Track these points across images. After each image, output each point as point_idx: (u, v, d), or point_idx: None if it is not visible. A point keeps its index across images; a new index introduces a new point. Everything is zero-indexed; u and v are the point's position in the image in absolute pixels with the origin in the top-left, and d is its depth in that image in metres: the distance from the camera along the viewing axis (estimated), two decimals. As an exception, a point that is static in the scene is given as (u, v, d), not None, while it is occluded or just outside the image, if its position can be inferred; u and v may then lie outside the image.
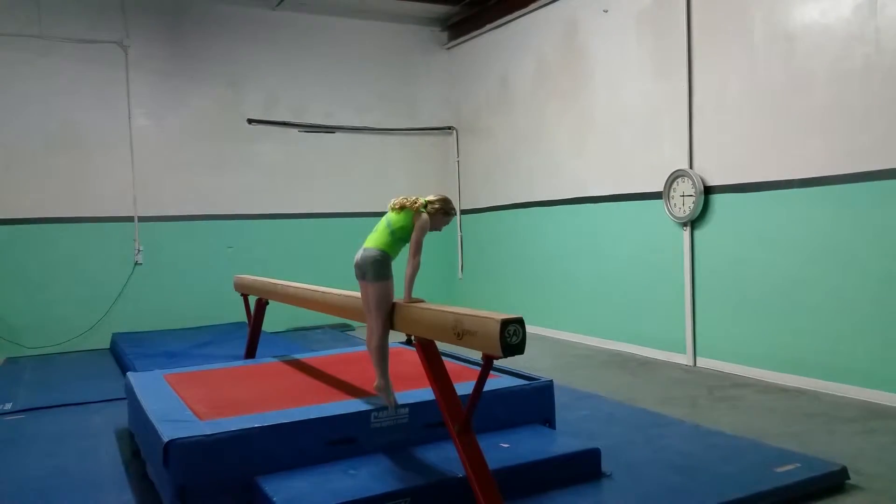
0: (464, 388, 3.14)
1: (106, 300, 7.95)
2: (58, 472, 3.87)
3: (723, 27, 5.84)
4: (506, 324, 2.54)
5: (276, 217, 8.78)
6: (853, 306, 4.98)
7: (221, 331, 7.81)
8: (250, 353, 5.56)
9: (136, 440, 3.99)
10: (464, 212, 9.56)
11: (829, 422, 4.43)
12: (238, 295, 5.85)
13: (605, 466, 3.46)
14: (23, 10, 7.56)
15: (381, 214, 3.47)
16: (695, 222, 6.14)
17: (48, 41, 7.67)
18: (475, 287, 9.41)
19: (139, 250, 8.09)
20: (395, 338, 5.69)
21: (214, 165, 8.48)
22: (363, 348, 5.53)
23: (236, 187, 8.58)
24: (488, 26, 8.80)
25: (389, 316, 3.32)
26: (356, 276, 3.40)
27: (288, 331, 8.54)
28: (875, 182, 4.81)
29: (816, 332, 5.22)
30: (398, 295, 3.34)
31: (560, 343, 7.54)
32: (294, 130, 8.89)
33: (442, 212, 3.41)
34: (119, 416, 4.72)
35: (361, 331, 8.44)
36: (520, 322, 2.57)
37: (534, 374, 4.19)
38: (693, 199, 6.05)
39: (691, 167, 6.12)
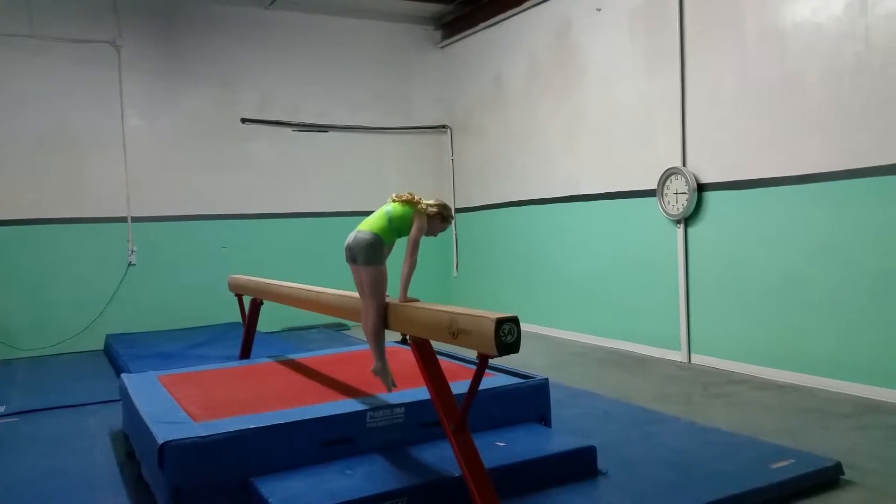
0: (459, 386, 3.15)
1: (100, 301, 7.92)
2: (53, 475, 3.85)
3: (715, 25, 5.85)
4: (500, 323, 2.54)
5: (270, 217, 8.77)
6: (847, 302, 5.00)
7: (216, 331, 7.79)
8: (245, 353, 5.54)
9: (131, 442, 3.98)
10: (458, 210, 9.56)
11: (823, 418, 4.45)
12: (232, 295, 5.84)
13: (601, 464, 3.46)
14: (15, 11, 7.52)
15: (376, 214, 3.46)
16: (688, 220, 6.15)
17: (41, 41, 7.63)
18: (470, 285, 9.42)
19: (133, 251, 8.07)
20: (391, 337, 5.69)
21: (208, 165, 8.46)
22: (358, 348, 5.54)
23: (230, 187, 8.56)
24: (481, 25, 8.80)
25: (385, 299, 3.31)
26: (346, 258, 3.39)
27: (283, 331, 8.53)
28: (869, 179, 4.82)
29: (811, 328, 5.24)
30: (394, 294, 3.33)
31: (555, 341, 7.55)
32: (288, 130, 8.88)
33: (440, 217, 3.40)
34: (114, 417, 4.71)
35: (356, 330, 8.44)
36: (514, 321, 2.58)
37: (529, 372, 4.19)
38: (686, 196, 6.05)
39: (684, 165, 6.13)
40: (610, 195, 7.03)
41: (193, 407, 3.62)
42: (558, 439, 3.66)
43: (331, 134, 9.09)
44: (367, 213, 3.50)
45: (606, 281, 7.13)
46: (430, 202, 3.41)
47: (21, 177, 7.61)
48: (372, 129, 9.32)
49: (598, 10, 7.03)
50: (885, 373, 4.77)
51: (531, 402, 3.95)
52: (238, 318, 5.95)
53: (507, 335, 2.55)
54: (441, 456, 3.28)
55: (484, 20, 8.73)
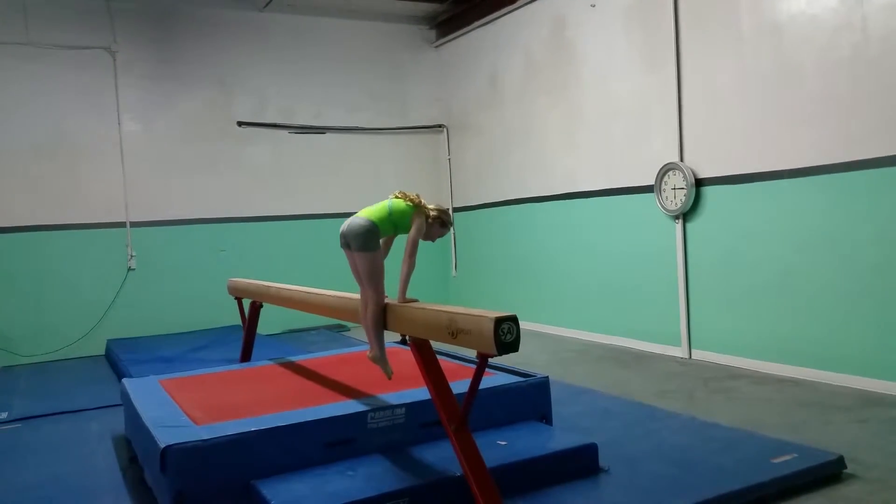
0: (460, 386, 3.15)
1: (100, 307, 7.92)
2: (55, 480, 3.85)
3: (710, 19, 5.85)
4: (500, 322, 2.54)
5: (268, 219, 8.77)
6: (847, 295, 5.00)
7: (216, 335, 7.79)
8: (245, 356, 5.55)
9: (133, 446, 3.99)
10: (456, 209, 9.56)
11: (824, 411, 4.45)
12: (232, 298, 5.84)
13: (603, 461, 3.47)
14: (10, 18, 7.52)
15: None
16: (687, 215, 6.15)
17: (36, 48, 7.63)
18: (469, 284, 9.42)
19: (132, 256, 8.07)
20: (390, 337, 5.70)
21: (205, 169, 8.46)
22: (358, 349, 5.54)
23: (228, 190, 8.56)
24: (476, 23, 8.79)
25: (382, 285, 3.30)
26: (340, 244, 3.38)
27: (283, 333, 8.54)
28: (866, 171, 4.82)
29: (810, 321, 5.24)
30: (392, 295, 3.33)
31: (555, 339, 7.55)
32: (284, 132, 8.88)
33: (439, 222, 3.40)
34: (115, 422, 4.70)
35: (356, 331, 8.44)
36: (513, 320, 2.58)
37: (529, 370, 4.19)
38: (684, 191, 6.06)
39: (682, 160, 6.13)
40: (608, 192, 7.03)
41: (195, 410, 3.62)
42: (559, 437, 3.67)
43: (327, 135, 9.09)
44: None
45: (606, 278, 7.14)
46: (431, 206, 3.41)
47: (18, 184, 7.60)
48: (368, 130, 9.32)
49: (593, 5, 7.03)
50: (885, 365, 4.77)
51: (532, 400, 3.96)
52: (238, 320, 5.95)
53: (506, 334, 2.55)
54: (442, 456, 3.28)
55: (478, 18, 8.72)
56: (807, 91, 5.17)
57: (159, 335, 7.93)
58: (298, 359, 5.07)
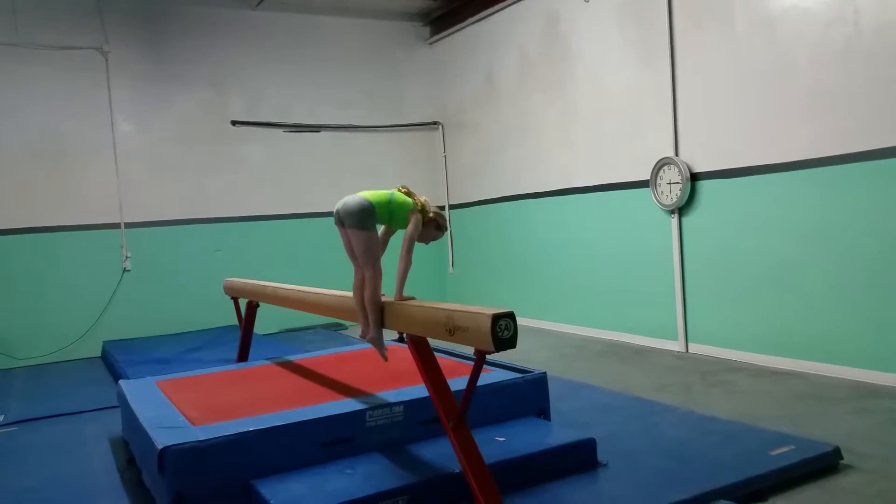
0: (458, 383, 3.14)
1: (96, 308, 7.90)
2: (53, 483, 3.85)
3: (704, 14, 5.86)
4: (497, 318, 2.55)
5: (263, 219, 8.75)
6: (842, 287, 5.01)
7: (213, 335, 7.78)
8: (242, 356, 5.55)
9: (131, 448, 3.98)
10: (452, 207, 9.56)
11: (821, 403, 4.46)
12: (228, 298, 5.83)
13: (601, 456, 3.47)
14: (0, 19, 7.49)
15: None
16: (682, 209, 6.16)
17: (27, 49, 7.60)
18: (467, 281, 9.42)
19: (127, 257, 8.05)
20: (388, 336, 5.68)
21: (200, 169, 8.44)
22: (356, 347, 5.53)
23: (223, 190, 8.54)
24: (470, 20, 8.78)
25: (380, 262, 3.29)
26: (335, 221, 3.36)
27: (280, 332, 8.53)
28: (860, 163, 4.84)
29: (807, 314, 5.26)
30: (389, 294, 3.33)
31: (553, 335, 7.56)
32: (279, 131, 8.86)
33: (434, 224, 3.40)
34: (113, 424, 4.70)
35: (353, 329, 8.43)
36: (511, 316, 2.58)
37: (527, 366, 4.20)
38: (680, 186, 6.06)
39: (677, 155, 6.14)
40: (604, 187, 7.03)
41: (192, 411, 3.61)
42: (558, 433, 3.67)
43: (322, 134, 9.08)
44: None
45: (602, 273, 7.14)
46: (431, 208, 3.42)
47: (12, 186, 7.57)
48: (363, 128, 9.31)
49: (587, 1, 7.02)
50: (881, 357, 4.79)
51: (530, 396, 3.96)
52: (235, 320, 5.94)
53: (503, 331, 2.55)
54: (441, 453, 3.28)
55: (472, 15, 8.71)
56: (800, 85, 5.18)
57: (156, 336, 7.91)
58: (296, 358, 5.07)
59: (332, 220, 3.40)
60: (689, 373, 5.50)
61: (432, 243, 3.58)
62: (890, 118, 4.66)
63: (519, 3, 8.01)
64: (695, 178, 6.02)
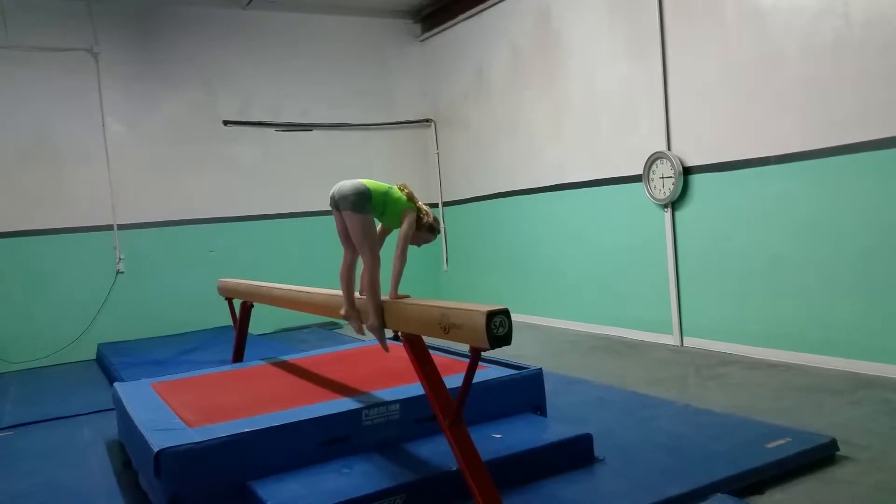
0: (453, 380, 3.14)
1: (90, 311, 7.88)
2: (49, 487, 3.83)
3: (694, 7, 5.86)
4: (491, 315, 2.54)
5: (257, 218, 8.73)
6: (836, 279, 5.03)
7: (208, 336, 7.76)
8: (238, 356, 5.53)
9: (127, 451, 3.97)
10: (446, 204, 9.56)
11: (816, 394, 4.48)
12: (223, 299, 5.81)
13: (598, 451, 3.47)
14: (-12, 22, 7.45)
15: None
16: (675, 203, 6.16)
17: (16, 51, 7.56)
18: (461, 278, 9.42)
19: (120, 258, 8.02)
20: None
21: (192, 169, 8.42)
22: (351, 346, 5.53)
23: (215, 190, 8.52)
24: (461, 16, 8.77)
25: (378, 247, 3.28)
26: (330, 204, 3.35)
27: (275, 332, 8.51)
28: (851, 155, 4.85)
29: (801, 305, 5.27)
30: (384, 292, 3.32)
31: (548, 330, 7.56)
32: (271, 130, 8.84)
33: (427, 226, 3.40)
34: (109, 427, 4.69)
35: (348, 328, 8.43)
36: (505, 313, 2.57)
37: (523, 363, 4.20)
38: (672, 180, 6.07)
39: (669, 149, 6.14)
40: (597, 182, 7.03)
41: (188, 413, 3.60)
42: (554, 428, 3.67)
43: (314, 133, 9.06)
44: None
45: (597, 268, 7.15)
46: (427, 211, 3.42)
47: (3, 189, 7.54)
48: (355, 126, 9.29)
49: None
50: (874, 347, 4.80)
51: (526, 392, 3.96)
52: (229, 321, 5.93)
53: (498, 328, 2.54)
54: (438, 451, 3.28)
55: (463, 11, 8.70)
56: (791, 77, 5.19)
57: (150, 338, 7.89)
58: (291, 358, 5.06)
59: (326, 219, 3.40)
60: (684, 366, 5.51)
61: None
62: (880, 110, 4.67)
63: (509, -1, 8.01)
64: (687, 171, 6.03)
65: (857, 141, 4.80)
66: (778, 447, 3.41)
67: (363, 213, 3.25)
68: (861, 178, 4.81)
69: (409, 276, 3.37)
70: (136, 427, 3.43)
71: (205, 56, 8.47)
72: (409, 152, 9.65)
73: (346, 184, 3.29)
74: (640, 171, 6.39)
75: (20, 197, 7.61)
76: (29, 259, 7.63)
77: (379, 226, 3.44)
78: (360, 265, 3.37)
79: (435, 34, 9.41)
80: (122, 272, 8.04)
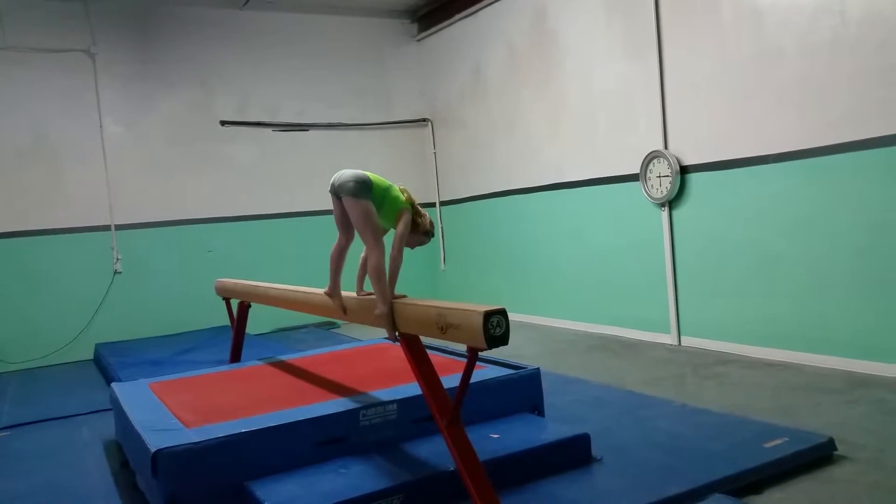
0: (451, 380, 3.14)
1: (87, 311, 7.87)
2: (47, 488, 3.83)
3: (691, 5, 5.86)
4: (488, 316, 2.54)
5: (254, 218, 8.72)
6: (833, 278, 5.03)
7: (205, 336, 7.75)
8: (235, 357, 5.53)
9: (125, 451, 3.96)
10: (443, 203, 9.55)
11: (814, 394, 4.48)
12: (220, 299, 5.81)
13: (596, 451, 3.48)
14: (-16, 22, 7.44)
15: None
16: (672, 202, 6.17)
17: (13, 52, 7.54)
18: (458, 277, 9.42)
19: (118, 259, 8.01)
20: (380, 333, 5.67)
21: (190, 169, 8.41)
22: (348, 346, 5.53)
23: (213, 190, 8.51)
24: (458, 16, 8.77)
25: (380, 233, 3.28)
26: (329, 191, 3.36)
27: (272, 332, 8.51)
28: (848, 153, 4.85)
29: (798, 305, 5.27)
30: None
31: (545, 329, 7.57)
32: (268, 130, 8.83)
33: (422, 229, 3.41)
34: (106, 427, 4.68)
35: (346, 328, 8.43)
36: (502, 313, 2.57)
37: (520, 362, 4.20)
38: (669, 179, 6.07)
39: (666, 148, 6.15)
40: (594, 181, 7.04)
41: (185, 413, 3.60)
42: (552, 428, 3.67)
43: (311, 132, 9.05)
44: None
45: (594, 267, 7.15)
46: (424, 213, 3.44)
47: (1, 189, 7.52)
48: (353, 126, 9.28)
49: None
50: (871, 346, 4.81)
51: (523, 392, 3.96)
52: (227, 321, 5.92)
53: (495, 328, 2.54)
54: (435, 451, 3.28)
55: (459, 11, 8.69)
56: (788, 75, 5.19)
57: (148, 338, 7.88)
58: (288, 358, 5.05)
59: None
60: (681, 366, 5.52)
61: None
62: (876, 109, 4.67)
63: (506, -1, 8.01)
64: (684, 170, 6.03)
65: (854, 139, 4.80)
66: (775, 447, 3.41)
67: (363, 199, 3.25)
68: (858, 176, 4.82)
69: (406, 275, 3.38)
70: (133, 427, 3.42)
71: (202, 56, 8.46)
72: (406, 152, 9.65)
73: (347, 171, 3.32)
74: (637, 171, 6.39)
75: (17, 197, 7.60)
76: (26, 259, 7.62)
77: None
78: (362, 268, 3.38)
79: (432, 34, 9.40)
80: (120, 272, 8.03)
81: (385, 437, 3.47)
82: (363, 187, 3.26)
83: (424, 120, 9.70)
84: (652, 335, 6.49)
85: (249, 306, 5.43)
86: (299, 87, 8.96)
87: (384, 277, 3.19)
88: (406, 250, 3.37)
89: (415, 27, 9.65)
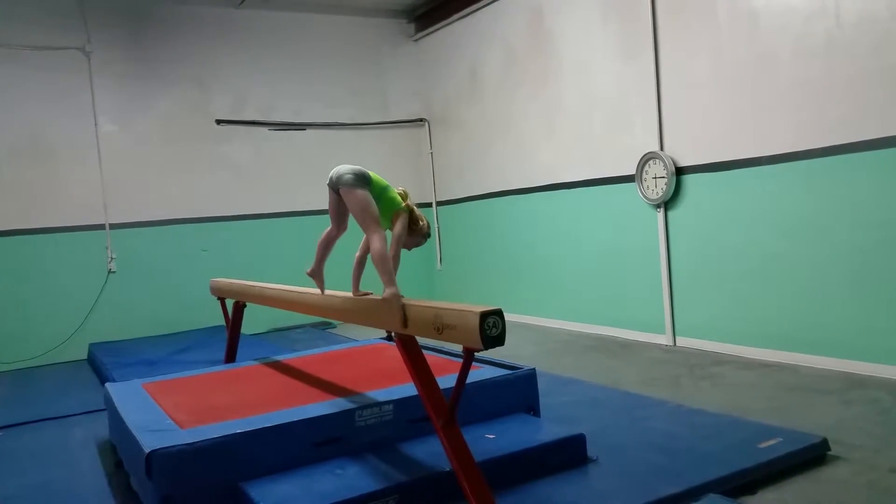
0: (447, 381, 3.13)
1: (81, 310, 7.84)
2: (40, 488, 3.81)
3: (687, 7, 5.87)
4: (485, 316, 2.54)
5: (250, 218, 8.71)
6: (828, 279, 5.04)
7: (200, 336, 7.73)
8: (230, 357, 5.51)
9: (119, 452, 3.95)
10: (439, 203, 9.55)
11: (808, 394, 4.49)
12: (215, 298, 5.79)
13: (591, 451, 3.47)
14: (-21, 20, 7.41)
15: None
16: (668, 203, 6.17)
17: (7, 50, 7.51)
18: (455, 278, 9.42)
19: (112, 258, 7.99)
20: (377, 334, 5.67)
21: (185, 168, 8.39)
22: (344, 346, 5.53)
23: (208, 189, 8.49)
24: (455, 16, 8.76)
25: (379, 219, 3.28)
26: (328, 184, 3.37)
27: (268, 332, 8.49)
28: (843, 155, 4.86)
29: (793, 305, 5.29)
30: (378, 292, 3.32)
31: (541, 330, 7.57)
32: (264, 129, 8.81)
33: (420, 231, 3.41)
34: (100, 428, 4.65)
35: (342, 328, 8.42)
36: (499, 314, 2.57)
37: (516, 363, 4.20)
38: (665, 180, 6.08)
39: (662, 149, 6.15)
40: (590, 182, 7.04)
41: (180, 414, 3.59)
42: (548, 429, 3.67)
43: (308, 132, 9.04)
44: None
45: (590, 268, 7.15)
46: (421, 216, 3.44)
47: (-6, 188, 7.51)
48: (349, 126, 9.27)
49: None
50: (866, 347, 4.82)
51: (519, 392, 3.96)
52: (222, 321, 5.91)
53: (491, 328, 2.54)
54: (431, 451, 3.27)
55: (457, 11, 8.69)
56: (783, 78, 5.20)
57: (142, 338, 7.86)
58: (284, 358, 5.05)
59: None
60: (676, 366, 5.52)
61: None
62: (871, 111, 4.69)
63: (503, -1, 8.01)
64: (680, 172, 6.04)
65: (850, 141, 4.81)
66: (770, 447, 3.42)
67: (361, 188, 3.26)
68: (853, 178, 4.83)
69: (402, 275, 3.37)
70: (127, 428, 3.41)
71: (198, 55, 8.44)
72: (402, 152, 9.64)
73: (346, 165, 3.33)
74: (632, 171, 6.40)
75: (11, 196, 7.56)
76: (20, 258, 7.58)
77: None
78: (357, 268, 3.39)
79: (428, 34, 9.40)
80: (114, 271, 8.00)
81: (381, 437, 3.47)
82: (362, 179, 3.28)
83: (421, 120, 9.69)
84: (647, 336, 6.50)
85: (245, 306, 5.42)
86: (296, 86, 8.95)
87: (388, 261, 3.18)
88: (403, 250, 3.37)
89: (412, 27, 9.65)
